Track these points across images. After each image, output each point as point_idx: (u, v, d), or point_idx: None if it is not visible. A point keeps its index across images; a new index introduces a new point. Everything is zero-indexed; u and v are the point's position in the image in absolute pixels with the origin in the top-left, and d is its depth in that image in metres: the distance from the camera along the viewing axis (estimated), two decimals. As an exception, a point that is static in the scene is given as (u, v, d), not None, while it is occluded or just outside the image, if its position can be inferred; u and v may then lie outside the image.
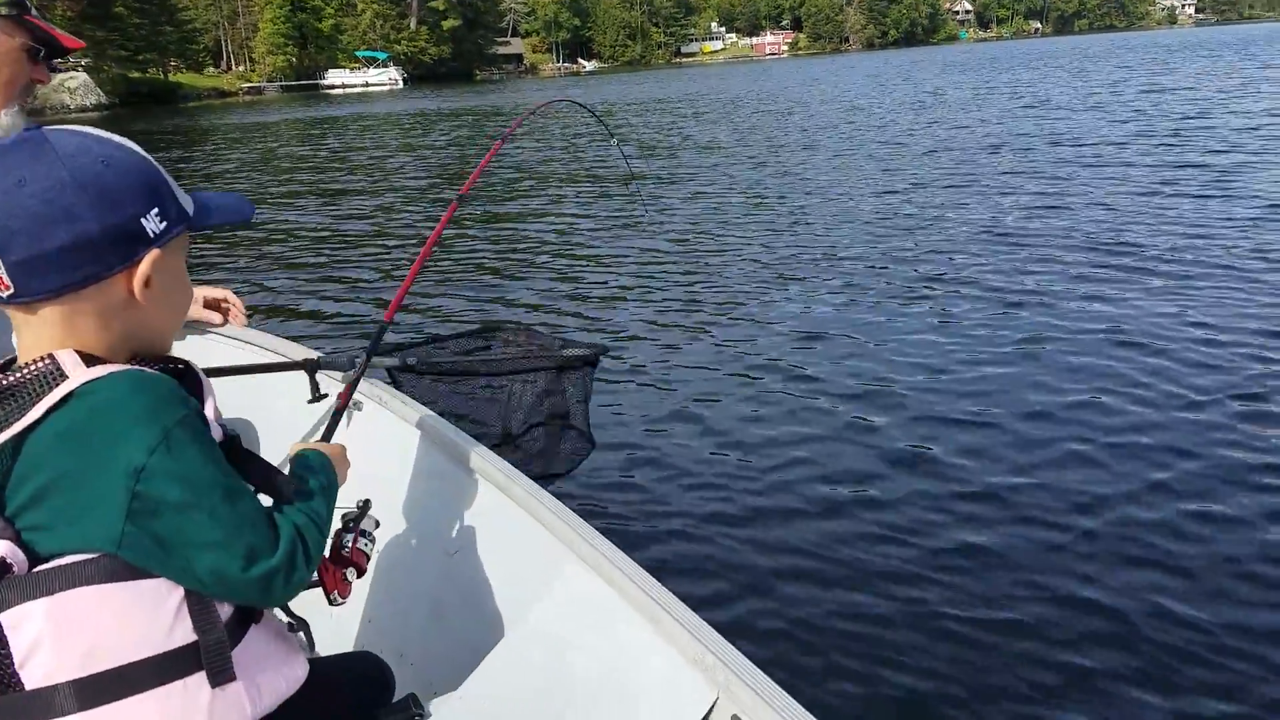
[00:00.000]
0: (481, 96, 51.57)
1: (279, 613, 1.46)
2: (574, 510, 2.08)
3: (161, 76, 72.43)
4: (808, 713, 1.50)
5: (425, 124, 30.26)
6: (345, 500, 1.76)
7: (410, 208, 13.24)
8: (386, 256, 9.88)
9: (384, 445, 2.51)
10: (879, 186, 11.88)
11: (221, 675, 1.27)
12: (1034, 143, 15.02)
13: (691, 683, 1.66)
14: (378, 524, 1.83)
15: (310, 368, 2.67)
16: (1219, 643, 2.99)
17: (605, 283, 8.13)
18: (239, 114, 46.36)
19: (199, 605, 1.23)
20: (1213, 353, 5.42)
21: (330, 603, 1.70)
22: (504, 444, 2.70)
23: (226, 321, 2.80)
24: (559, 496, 2.15)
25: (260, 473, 1.34)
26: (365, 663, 1.87)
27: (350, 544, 1.75)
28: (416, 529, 2.38)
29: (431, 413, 2.48)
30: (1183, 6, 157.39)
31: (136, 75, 67.45)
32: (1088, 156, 13.14)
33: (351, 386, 2.12)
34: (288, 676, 1.40)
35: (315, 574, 1.66)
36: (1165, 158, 12.50)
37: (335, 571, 1.71)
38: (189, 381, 1.29)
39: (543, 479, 2.41)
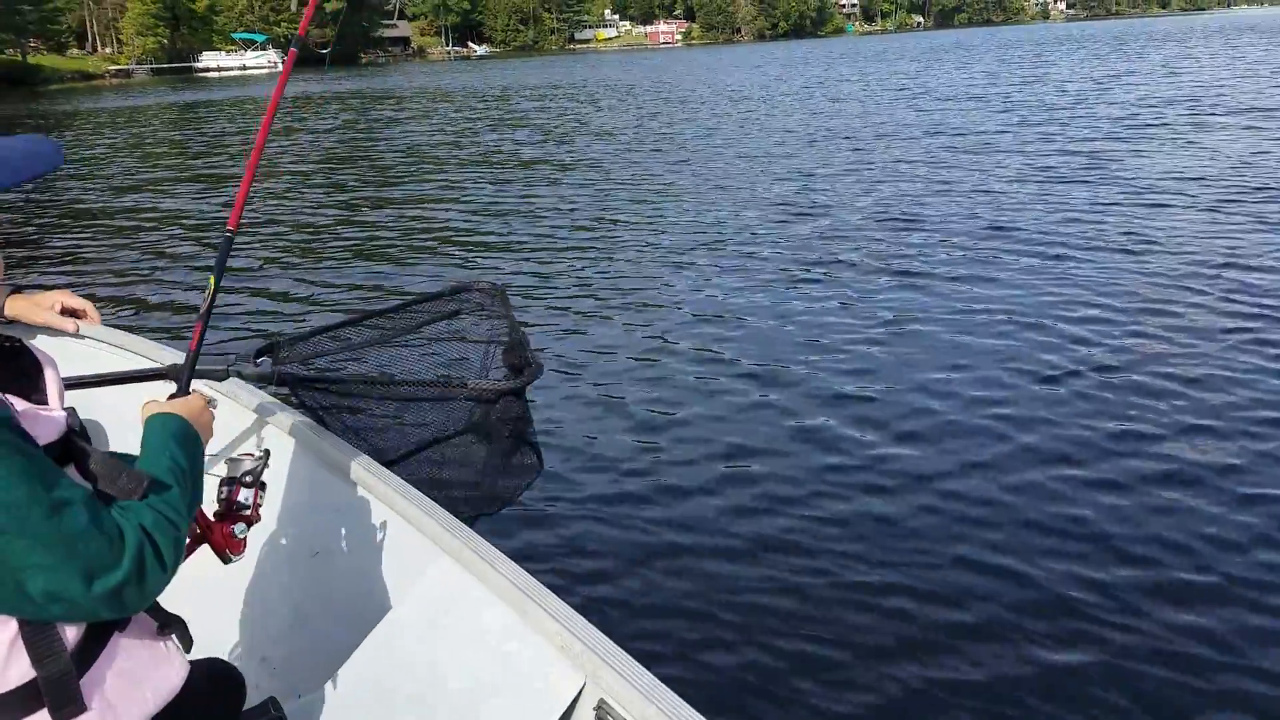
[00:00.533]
0: (367, 80, 50.27)
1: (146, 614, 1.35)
2: (441, 504, 2.04)
3: (19, 58, 68.22)
4: (673, 693, 1.52)
5: (307, 107, 29.33)
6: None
7: (291, 195, 12.75)
8: (269, 244, 9.49)
9: (247, 446, 2.43)
10: (774, 174, 12.06)
11: (67, 709, 1.17)
12: (917, 131, 15.49)
13: (558, 669, 1.68)
14: (265, 461, 1.74)
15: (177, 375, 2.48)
16: (1047, 591, 3.18)
17: (498, 268, 8.01)
18: (106, 98, 44.01)
19: (36, 636, 1.13)
20: (1085, 328, 5.65)
21: (224, 561, 1.64)
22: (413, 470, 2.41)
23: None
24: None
25: (103, 469, 1.21)
26: (214, 669, 1.76)
27: (231, 496, 1.67)
28: (280, 531, 2.31)
29: (296, 412, 2.38)
30: (1055, 2, 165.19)
31: (-9, 56, 63.45)
32: (969, 144, 13.60)
33: (204, 325, 1.95)
34: (157, 688, 1.30)
35: (204, 537, 1.62)
36: (1042, 145, 13.02)
37: (223, 528, 1.63)
38: (24, 361, 1.20)
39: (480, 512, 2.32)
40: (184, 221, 11.22)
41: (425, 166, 14.63)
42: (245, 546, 1.66)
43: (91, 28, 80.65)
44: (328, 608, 2.18)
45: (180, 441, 1.34)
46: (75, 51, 78.66)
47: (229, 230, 2.04)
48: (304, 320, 6.71)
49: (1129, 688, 2.72)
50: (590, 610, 1.76)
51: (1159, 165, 10.86)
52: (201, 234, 10.30)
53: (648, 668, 1.58)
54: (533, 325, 6.24)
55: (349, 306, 7.11)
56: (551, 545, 3.62)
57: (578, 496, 3.99)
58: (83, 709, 1.18)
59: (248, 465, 1.71)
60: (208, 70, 77.55)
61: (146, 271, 8.67)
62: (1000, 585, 3.25)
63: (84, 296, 2.71)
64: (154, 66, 76.93)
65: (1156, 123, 14.49)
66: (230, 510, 1.66)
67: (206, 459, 1.51)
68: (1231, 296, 6.05)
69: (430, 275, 7.85)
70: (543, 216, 10.08)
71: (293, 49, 2.26)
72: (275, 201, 12.12)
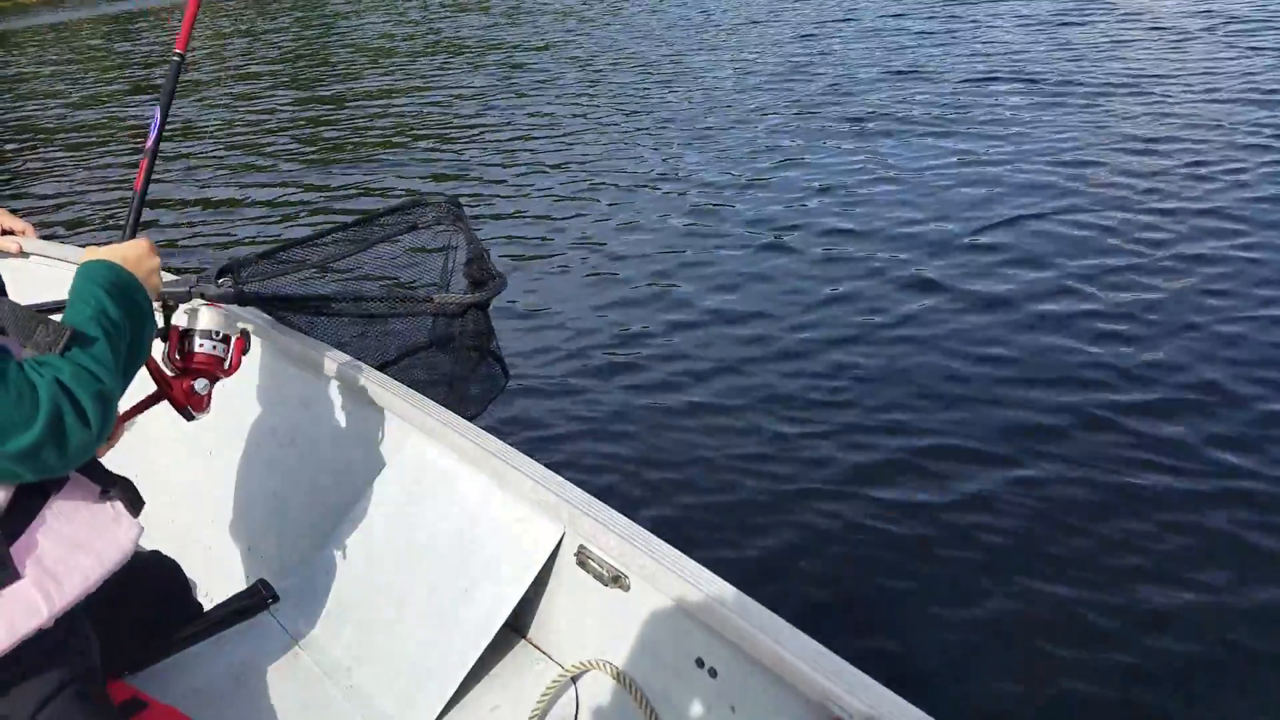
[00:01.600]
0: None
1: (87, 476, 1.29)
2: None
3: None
4: (648, 532, 1.60)
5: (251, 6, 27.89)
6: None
7: (241, 100, 12.28)
8: (219, 153, 9.19)
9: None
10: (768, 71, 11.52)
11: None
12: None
13: (537, 524, 1.74)
14: (224, 335, 1.67)
15: None
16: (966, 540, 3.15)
17: (464, 170, 7.76)
18: (36, 13, 41.79)
19: None
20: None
21: (187, 418, 1.61)
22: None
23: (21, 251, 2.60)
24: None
25: (16, 321, 1.12)
26: (157, 563, 1.81)
27: (192, 349, 1.60)
28: (252, 426, 2.34)
29: (260, 315, 2.38)
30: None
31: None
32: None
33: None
34: (101, 554, 1.23)
35: (165, 393, 1.58)
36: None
37: (182, 384, 1.57)
38: None
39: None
40: (123, 133, 10.87)
41: (385, 61, 14.08)
42: (209, 403, 1.61)
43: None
44: (306, 493, 2.23)
45: (109, 289, 1.23)
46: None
47: (177, 53, 1.94)
48: (263, 230, 6.61)
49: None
50: (565, 468, 1.84)
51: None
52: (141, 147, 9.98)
53: (623, 514, 1.66)
54: (494, 235, 6.23)
55: (309, 214, 6.99)
56: (524, 420, 3.87)
57: (548, 378, 4.21)
58: (15, 576, 1.13)
59: (208, 320, 1.64)
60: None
61: (87, 187, 8.44)
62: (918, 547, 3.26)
63: (24, 217, 2.69)
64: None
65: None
66: (191, 365, 1.60)
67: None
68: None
69: (394, 174, 7.72)
70: (508, 110, 9.81)
71: None
72: (223, 107, 11.69)
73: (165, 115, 1.86)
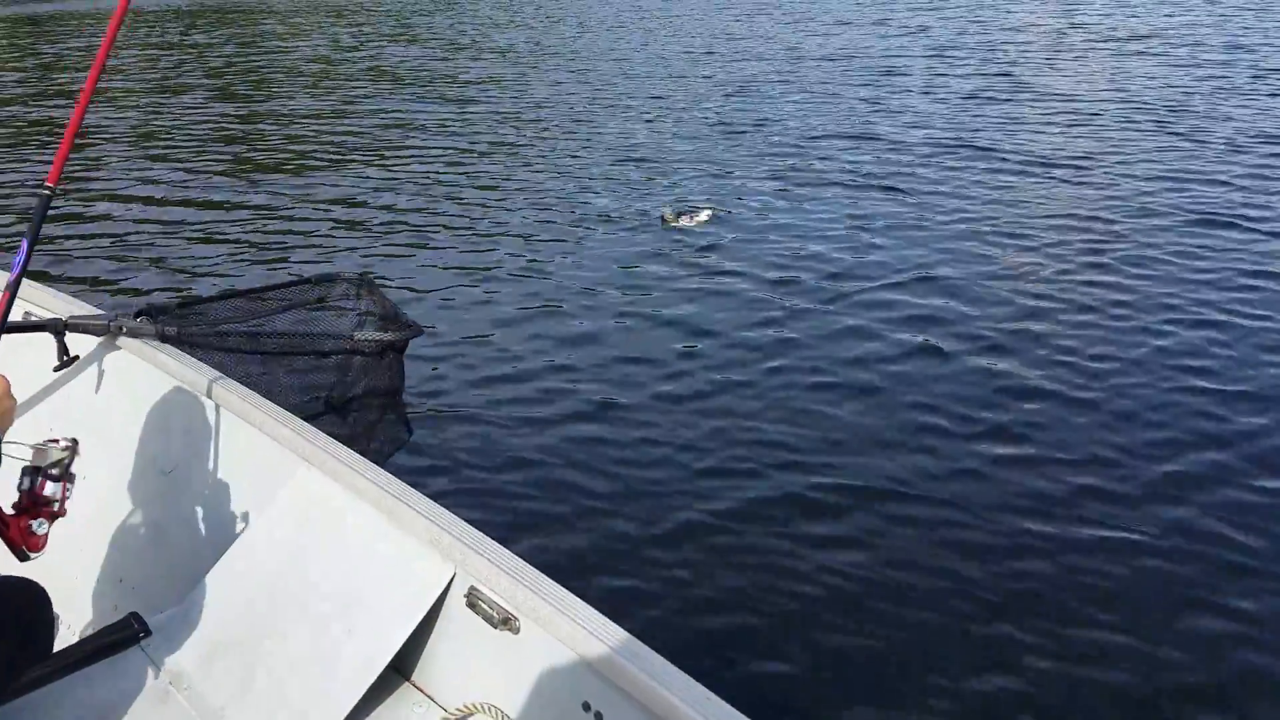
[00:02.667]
0: None
1: None
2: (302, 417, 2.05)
3: None
4: (540, 573, 1.59)
5: (157, 23, 27.12)
6: (36, 438, 1.61)
7: (142, 127, 11.91)
8: (123, 186, 8.70)
9: (87, 376, 2.40)
10: (710, 88, 11.73)
11: None
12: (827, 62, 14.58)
13: (428, 562, 1.71)
14: (74, 452, 1.62)
15: (57, 329, 2.39)
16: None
17: (386, 201, 7.66)
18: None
19: None
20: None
21: (20, 558, 1.53)
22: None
23: None
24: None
25: None
26: (22, 589, 1.72)
27: (34, 489, 1.55)
28: (130, 452, 2.26)
29: (149, 343, 2.35)
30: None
31: None
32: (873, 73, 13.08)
33: (11, 296, 1.70)
34: None
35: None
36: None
37: (18, 522, 1.52)
38: None
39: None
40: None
41: (317, 83, 13.84)
42: (46, 543, 1.57)
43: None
44: (185, 524, 2.14)
45: None
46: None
47: (47, 187, 1.74)
48: (173, 276, 6.20)
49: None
50: (457, 507, 1.81)
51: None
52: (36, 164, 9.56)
53: (516, 554, 1.64)
54: (397, 264, 6.16)
55: (225, 239, 6.77)
56: (418, 453, 3.79)
57: (443, 413, 4.17)
58: None
59: (54, 455, 1.59)
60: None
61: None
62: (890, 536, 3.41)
63: None
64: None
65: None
66: (33, 504, 1.56)
67: (13, 446, 1.46)
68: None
69: (311, 196, 7.61)
70: (436, 139, 9.74)
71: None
72: (141, 125, 11.31)
73: (31, 249, 1.70)
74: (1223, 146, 8.08)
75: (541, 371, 4.58)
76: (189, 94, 13.65)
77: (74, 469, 1.60)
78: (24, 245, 1.67)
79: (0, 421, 1.38)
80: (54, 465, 1.58)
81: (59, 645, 1.79)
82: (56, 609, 1.86)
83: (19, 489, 1.56)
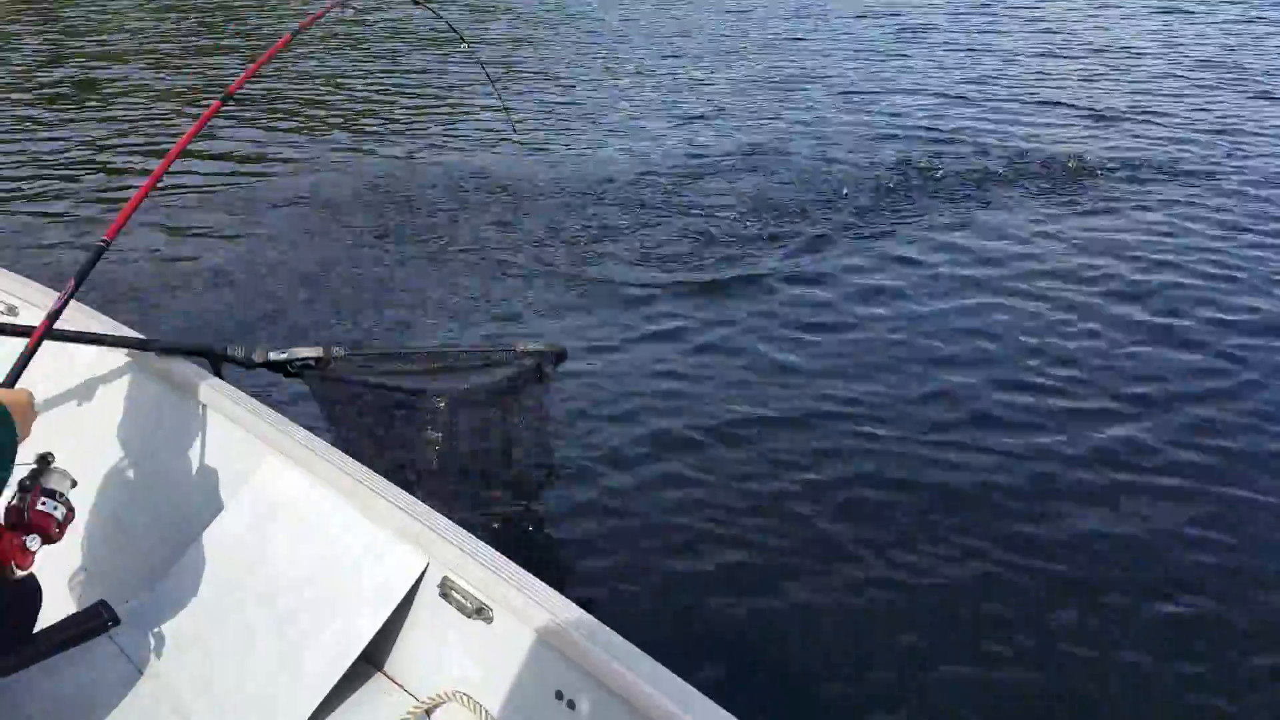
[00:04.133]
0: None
1: None
2: (272, 406, 2.02)
3: None
4: (512, 563, 1.59)
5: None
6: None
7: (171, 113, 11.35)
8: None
9: (44, 353, 2.33)
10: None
11: None
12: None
13: (399, 553, 1.71)
14: (73, 483, 1.62)
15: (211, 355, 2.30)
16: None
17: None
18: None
19: None
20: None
21: (5, 576, 1.52)
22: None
23: None
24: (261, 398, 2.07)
25: None
26: None
27: (28, 505, 1.54)
28: (96, 439, 2.21)
29: (96, 314, 2.31)
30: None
31: None
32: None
33: (51, 321, 1.79)
34: None
35: None
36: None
37: (11, 538, 1.51)
38: None
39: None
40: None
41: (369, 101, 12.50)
42: (34, 561, 1.55)
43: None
44: (153, 513, 2.12)
45: None
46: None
47: (104, 240, 1.86)
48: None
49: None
50: (431, 499, 1.80)
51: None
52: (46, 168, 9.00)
53: (488, 543, 1.64)
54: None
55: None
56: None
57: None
58: None
59: (54, 473, 1.60)
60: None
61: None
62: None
63: None
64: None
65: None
66: (25, 520, 1.54)
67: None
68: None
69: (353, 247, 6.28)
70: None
71: (217, 101, 2.16)
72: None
73: (75, 293, 1.82)
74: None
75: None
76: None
77: (54, 485, 1.58)
78: (71, 283, 1.80)
79: (21, 428, 1.44)
80: (55, 485, 1.58)
81: (25, 633, 1.77)
82: None
83: (10, 503, 1.54)
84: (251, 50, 13.71)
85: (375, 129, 9.20)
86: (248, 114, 10.13)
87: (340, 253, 5.79)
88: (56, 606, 1.99)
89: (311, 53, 13.50)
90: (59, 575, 2.16)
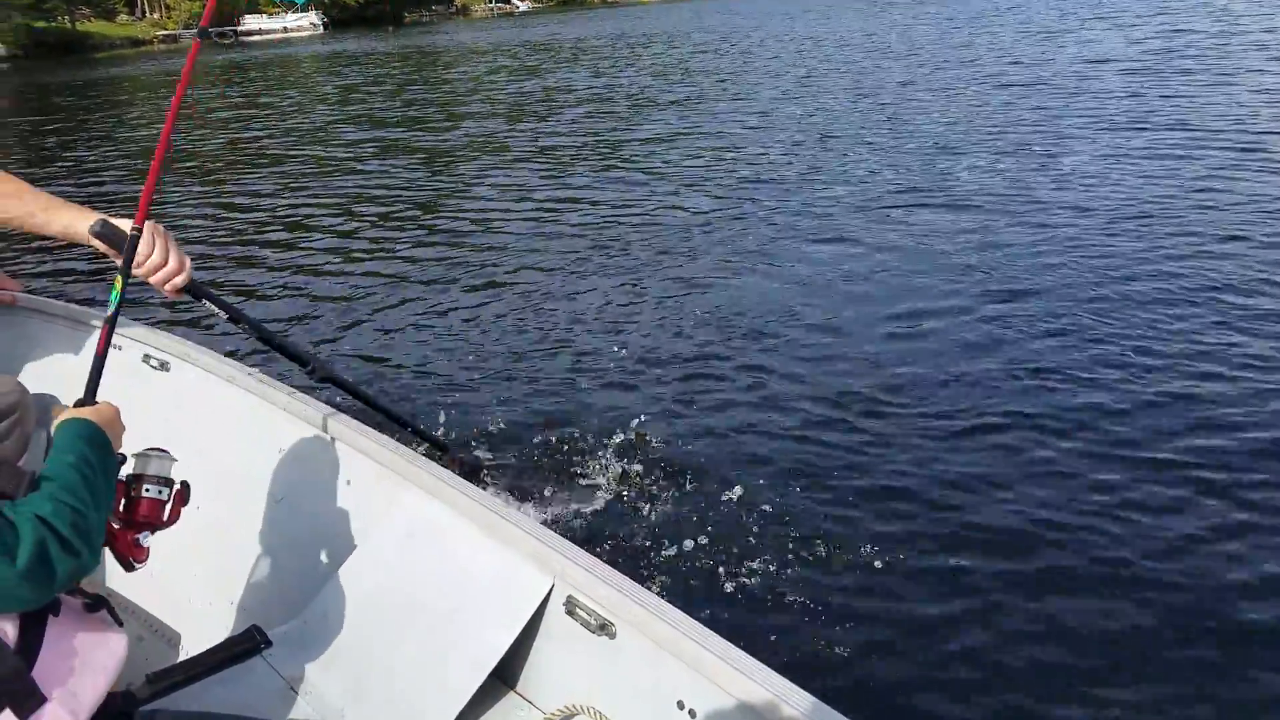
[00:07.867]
0: (407, 38, 49.94)
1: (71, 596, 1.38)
2: (400, 441, 2.10)
3: (70, 25, 69.16)
4: (635, 583, 1.63)
5: (343, 65, 28.80)
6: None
7: (336, 156, 12.69)
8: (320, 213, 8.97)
9: (193, 402, 2.48)
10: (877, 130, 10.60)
11: (29, 704, 1.20)
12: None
13: (527, 575, 1.76)
14: (169, 480, 1.60)
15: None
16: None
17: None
18: (153, 62, 44.41)
19: None
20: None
21: (127, 568, 1.58)
22: None
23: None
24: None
25: None
26: None
27: (136, 498, 1.56)
28: (241, 481, 2.33)
29: (242, 365, 2.44)
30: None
31: (41, 25, 64.30)
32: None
33: (109, 329, 1.73)
34: (105, 664, 1.34)
35: (109, 543, 1.54)
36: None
37: (127, 536, 1.55)
38: None
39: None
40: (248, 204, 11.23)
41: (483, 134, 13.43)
42: (149, 555, 1.59)
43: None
44: (297, 548, 2.22)
45: (89, 440, 1.37)
46: (124, 18, 79.47)
47: (135, 228, 1.73)
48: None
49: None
50: (556, 525, 1.83)
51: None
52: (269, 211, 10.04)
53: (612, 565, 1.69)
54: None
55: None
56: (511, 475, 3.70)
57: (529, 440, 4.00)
58: (43, 700, 1.21)
59: (154, 463, 1.59)
60: (250, 34, 77.86)
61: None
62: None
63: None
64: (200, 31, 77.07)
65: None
66: (137, 515, 1.56)
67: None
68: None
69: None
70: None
71: (196, 40, 2.12)
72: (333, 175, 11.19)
73: (125, 286, 1.70)
74: None
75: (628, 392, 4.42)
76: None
77: (173, 474, 1.60)
78: (118, 284, 1.70)
79: (116, 440, 1.47)
80: (155, 472, 1.58)
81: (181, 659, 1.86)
82: (181, 629, 2.08)
83: (123, 501, 1.58)
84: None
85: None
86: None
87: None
88: (210, 634, 2.11)
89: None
90: (211, 607, 2.31)
